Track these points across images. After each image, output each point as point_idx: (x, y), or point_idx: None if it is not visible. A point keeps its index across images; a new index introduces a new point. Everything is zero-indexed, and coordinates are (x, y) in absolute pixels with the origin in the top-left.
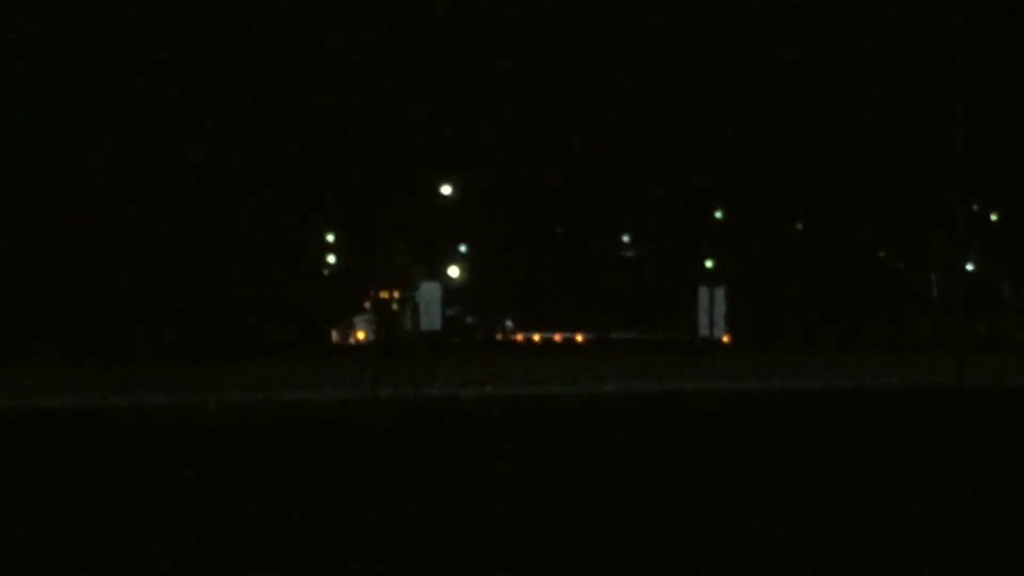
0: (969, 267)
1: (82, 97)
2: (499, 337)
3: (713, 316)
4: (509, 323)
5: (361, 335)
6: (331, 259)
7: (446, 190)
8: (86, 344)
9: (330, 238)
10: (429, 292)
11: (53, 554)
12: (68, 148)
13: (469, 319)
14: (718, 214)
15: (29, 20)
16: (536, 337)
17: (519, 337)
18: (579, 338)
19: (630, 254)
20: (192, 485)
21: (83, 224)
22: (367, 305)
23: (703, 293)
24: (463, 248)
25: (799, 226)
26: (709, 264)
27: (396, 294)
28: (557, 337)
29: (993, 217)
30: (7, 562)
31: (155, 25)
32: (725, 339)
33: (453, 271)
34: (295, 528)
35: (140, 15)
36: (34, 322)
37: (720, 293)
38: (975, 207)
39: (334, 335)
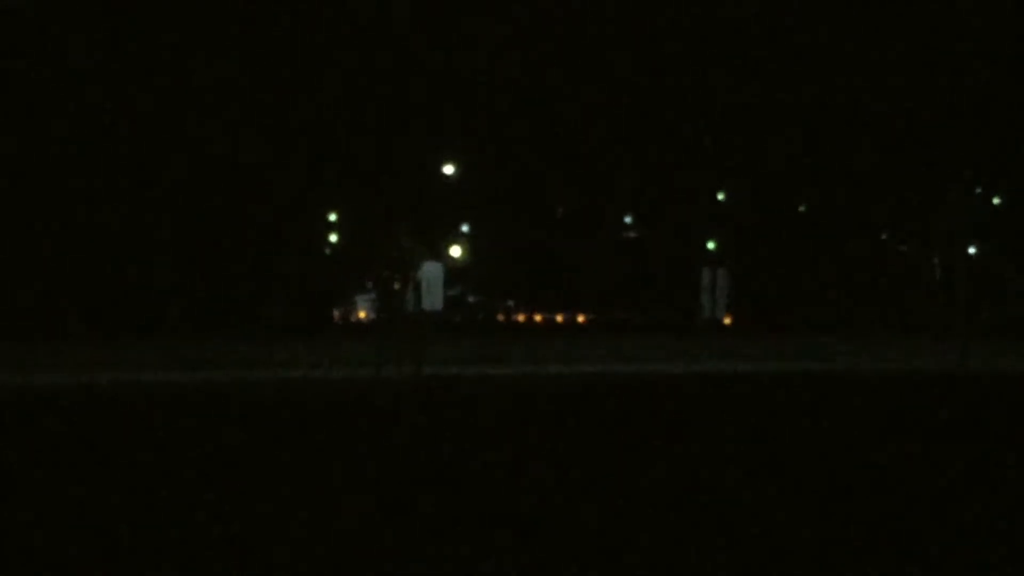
0: (971, 251)
1: (86, 73)
2: (501, 317)
3: (715, 297)
4: (511, 303)
5: (363, 314)
6: (333, 238)
7: (448, 170)
8: (86, 322)
9: (332, 217)
10: (431, 272)
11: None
12: (74, 125)
13: (471, 299)
14: (720, 195)
15: None
16: (538, 317)
17: (521, 317)
18: (580, 319)
19: (632, 235)
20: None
21: (83, 202)
22: (369, 284)
23: (705, 274)
24: (465, 228)
25: (801, 208)
26: (711, 245)
27: (398, 274)
28: (559, 318)
29: (996, 201)
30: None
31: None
32: (727, 320)
33: (455, 251)
34: (294, 508)
35: None
36: (39, 304)
37: (722, 274)
38: (978, 190)
39: (336, 314)
